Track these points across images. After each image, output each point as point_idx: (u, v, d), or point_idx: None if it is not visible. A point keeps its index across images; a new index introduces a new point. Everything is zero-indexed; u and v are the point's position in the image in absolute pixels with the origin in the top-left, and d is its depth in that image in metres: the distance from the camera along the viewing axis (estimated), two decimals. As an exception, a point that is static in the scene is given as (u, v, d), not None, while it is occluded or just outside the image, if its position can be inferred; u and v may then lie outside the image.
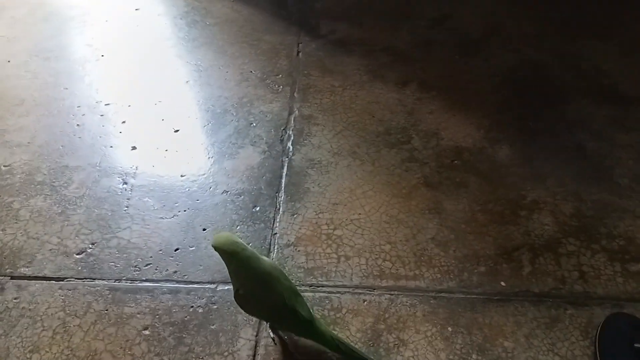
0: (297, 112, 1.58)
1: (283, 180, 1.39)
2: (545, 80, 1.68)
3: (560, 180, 1.37)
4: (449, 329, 1.08)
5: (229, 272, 0.95)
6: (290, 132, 1.52)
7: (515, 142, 1.48)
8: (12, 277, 1.20)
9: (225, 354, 1.06)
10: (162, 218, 1.33)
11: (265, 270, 0.94)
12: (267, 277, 0.94)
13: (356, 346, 1.04)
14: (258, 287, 0.94)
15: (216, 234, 0.94)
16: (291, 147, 1.48)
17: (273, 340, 1.08)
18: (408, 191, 1.35)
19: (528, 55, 1.77)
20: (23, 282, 1.19)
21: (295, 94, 1.64)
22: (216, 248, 0.92)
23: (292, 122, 1.55)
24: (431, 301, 1.13)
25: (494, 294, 1.14)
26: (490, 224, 1.27)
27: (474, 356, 1.04)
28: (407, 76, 1.69)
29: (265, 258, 0.97)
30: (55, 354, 1.07)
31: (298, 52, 1.81)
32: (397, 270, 1.19)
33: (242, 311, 1.04)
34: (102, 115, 1.61)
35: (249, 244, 1.25)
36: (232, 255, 0.91)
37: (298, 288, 1.03)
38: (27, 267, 1.22)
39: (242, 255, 0.91)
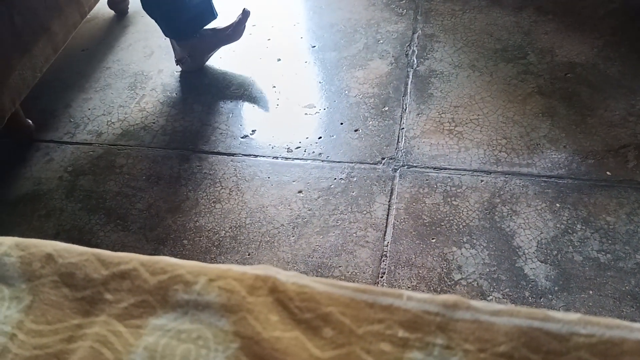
0: (420, 31, 1.77)
1: (409, 87, 1.60)
2: (663, 6, 1.74)
3: (670, 93, 1.48)
4: (557, 205, 1.27)
5: None
6: (415, 48, 1.72)
7: (627, 61, 1.58)
8: (194, 151, 1.52)
9: (364, 212, 1.32)
10: (306, 114, 1.59)
11: None
12: None
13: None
14: None
15: None
16: (415, 60, 1.68)
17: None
18: (523, 98, 1.51)
19: (647, -17, 1.82)
20: (203, 155, 1.51)
21: (418, 17, 1.83)
22: None
23: (416, 39, 1.75)
24: (542, 183, 1.31)
25: (599, 180, 1.30)
26: (599, 126, 1.41)
27: (578, 226, 1.22)
28: (523, 1, 1.81)
29: None
30: (232, 204, 1.38)
31: (420, -19, 1.98)
32: (511, 159, 1.38)
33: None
34: (250, 34, 1.88)
35: (380, 134, 1.49)
36: None
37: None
38: (204, 145, 1.54)
39: None
